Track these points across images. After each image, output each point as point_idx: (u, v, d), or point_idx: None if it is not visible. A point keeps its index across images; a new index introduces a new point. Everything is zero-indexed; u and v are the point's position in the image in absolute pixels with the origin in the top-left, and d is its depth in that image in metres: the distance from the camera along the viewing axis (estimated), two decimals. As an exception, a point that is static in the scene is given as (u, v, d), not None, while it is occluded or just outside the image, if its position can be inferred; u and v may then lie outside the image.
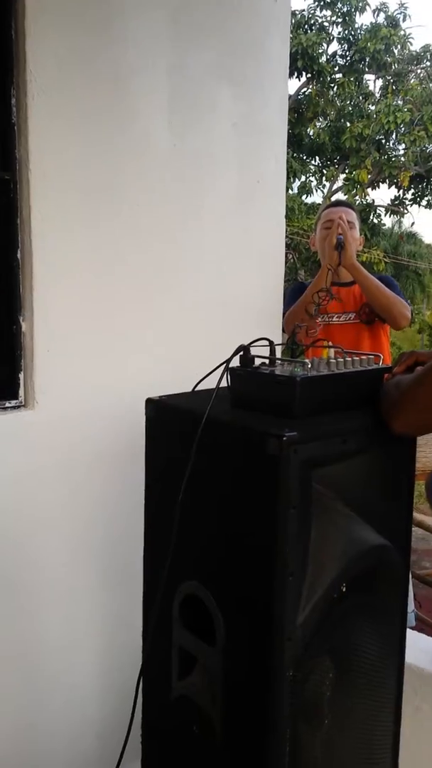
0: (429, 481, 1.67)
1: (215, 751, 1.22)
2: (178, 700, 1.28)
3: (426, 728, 1.77)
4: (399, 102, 13.28)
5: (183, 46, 1.74)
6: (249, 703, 1.16)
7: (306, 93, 14.28)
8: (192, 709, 1.24)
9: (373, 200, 14.86)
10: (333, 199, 13.61)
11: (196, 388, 1.36)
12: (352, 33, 13.69)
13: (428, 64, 14.16)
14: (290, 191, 14.11)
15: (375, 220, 14.77)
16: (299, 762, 1.16)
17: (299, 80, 14.02)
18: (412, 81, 13.86)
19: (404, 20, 13.69)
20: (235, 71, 1.85)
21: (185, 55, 1.75)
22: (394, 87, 13.58)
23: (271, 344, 1.29)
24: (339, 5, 13.51)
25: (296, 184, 14.26)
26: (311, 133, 14.69)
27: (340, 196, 14.00)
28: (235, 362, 1.28)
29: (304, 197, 14.71)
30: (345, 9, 13.53)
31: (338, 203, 2.98)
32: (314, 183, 15.18)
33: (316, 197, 15.28)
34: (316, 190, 15.11)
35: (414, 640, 1.88)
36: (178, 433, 1.28)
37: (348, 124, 13.68)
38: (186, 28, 1.74)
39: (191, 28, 1.75)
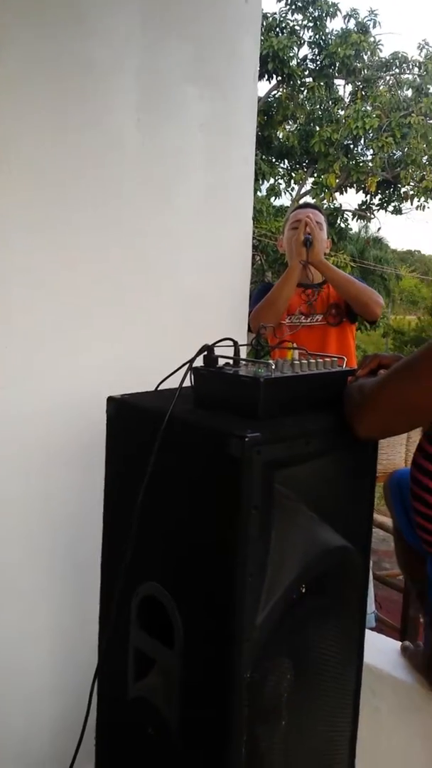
0: (387, 483, 1.69)
1: (170, 752, 1.22)
2: (134, 701, 1.27)
3: (384, 728, 1.78)
4: (368, 108, 13.42)
5: (153, 45, 1.72)
6: (206, 704, 1.15)
7: (276, 96, 14.34)
8: (148, 711, 1.23)
9: (341, 204, 15.01)
10: (301, 201, 13.71)
11: (159, 388, 1.35)
12: (323, 38, 13.79)
13: (397, 71, 14.35)
14: (259, 193, 14.15)
15: (342, 225, 14.90)
16: (256, 763, 1.15)
17: (269, 83, 14.08)
18: (381, 87, 14.02)
19: (374, 27, 13.84)
20: (206, 71, 1.84)
21: (155, 55, 1.73)
22: (363, 93, 13.72)
23: (236, 344, 1.29)
24: (310, 9, 13.60)
25: (265, 186, 14.31)
26: (281, 136, 14.76)
27: (308, 199, 14.10)
28: (200, 362, 1.28)
29: (272, 199, 14.77)
30: (316, 13, 13.62)
31: (306, 205, 2.98)
32: (283, 186, 15.26)
33: (285, 200, 15.36)
34: (285, 193, 15.18)
35: (373, 641, 1.89)
36: (139, 432, 1.27)
37: (317, 128, 13.77)
38: (156, 27, 1.72)
39: (161, 27, 1.74)
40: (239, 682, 1.09)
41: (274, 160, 15.21)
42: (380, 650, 1.84)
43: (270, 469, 1.11)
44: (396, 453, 3.56)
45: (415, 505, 1.39)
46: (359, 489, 1.39)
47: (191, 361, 1.26)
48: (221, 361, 1.28)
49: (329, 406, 1.30)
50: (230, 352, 1.29)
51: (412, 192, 14.67)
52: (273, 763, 1.21)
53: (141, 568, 1.24)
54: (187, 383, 1.27)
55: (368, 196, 15.19)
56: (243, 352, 1.35)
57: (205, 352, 1.27)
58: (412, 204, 15.03)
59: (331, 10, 13.54)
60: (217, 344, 1.27)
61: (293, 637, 1.20)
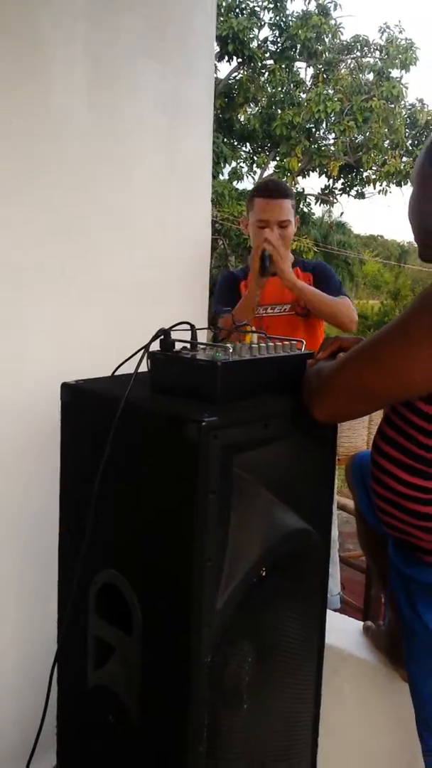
0: (349, 465, 1.69)
1: (132, 739, 1.21)
2: (95, 689, 1.26)
3: (347, 707, 1.80)
4: (329, 91, 13.42)
5: (103, 22, 1.67)
6: (166, 690, 1.15)
7: (237, 78, 14.25)
8: (108, 699, 1.22)
9: (303, 189, 15.03)
10: (265, 176, 13.59)
11: (116, 374, 1.32)
12: (284, 19, 13.72)
13: (358, 54, 14.37)
14: (221, 176, 14.08)
15: (305, 209, 14.92)
16: (217, 747, 1.15)
17: (230, 64, 13.99)
18: (342, 71, 14.03)
19: (335, 9, 13.82)
20: (160, 49, 1.80)
21: (107, 31, 1.68)
22: (324, 76, 13.72)
23: (193, 328, 1.27)
24: (271, -10, 13.53)
25: (227, 169, 14.24)
26: (242, 119, 14.70)
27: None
28: (157, 347, 1.26)
29: (235, 183, 14.72)
30: (276, -6, 13.55)
31: (273, 192, 2.56)
32: (245, 169, 15.21)
33: (247, 183, 15.32)
34: (247, 177, 15.14)
35: (336, 621, 1.91)
36: (94, 418, 1.25)
37: (279, 112, 13.73)
38: (106, 3, 1.68)
39: (112, 3, 1.69)
40: (199, 666, 1.09)
41: (235, 143, 15.15)
42: (343, 631, 1.85)
43: (228, 453, 1.11)
44: (358, 436, 3.59)
45: (375, 488, 1.40)
46: (319, 471, 1.39)
47: (147, 345, 1.24)
48: (179, 346, 1.26)
49: (288, 390, 1.29)
50: (188, 336, 1.27)
51: (374, 176, 14.77)
52: (234, 745, 1.21)
53: (99, 556, 1.23)
54: (145, 369, 1.25)
55: (331, 181, 15.25)
56: (204, 337, 1.33)
57: (162, 337, 1.24)
58: (374, 188, 15.15)
59: (292, -9, 13.48)
60: (173, 328, 1.25)
61: (254, 620, 1.20)
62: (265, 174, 15.11)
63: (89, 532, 1.19)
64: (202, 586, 1.08)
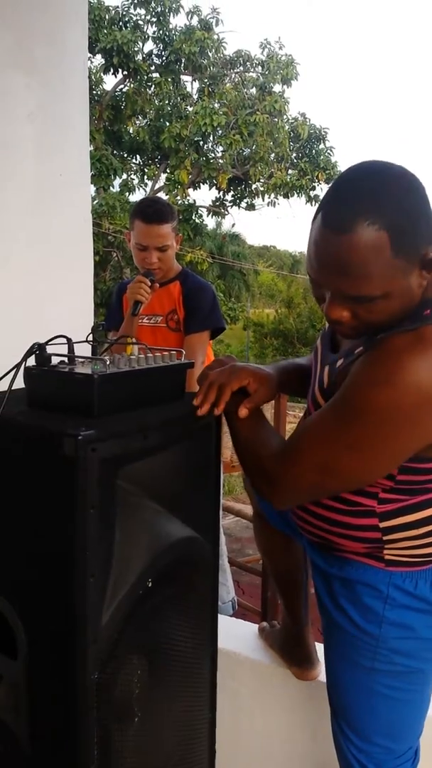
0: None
1: (23, 766, 1.17)
2: (-19, 719, 1.21)
3: (244, 710, 1.83)
4: (215, 105, 13.67)
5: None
6: (54, 711, 1.12)
7: (123, 90, 14.26)
8: (-4, 728, 1.18)
9: (194, 200, 15.20)
10: (142, 198, 13.60)
11: (-8, 390, 1.29)
12: (167, 33, 13.87)
13: (241, 69, 14.72)
14: (112, 189, 14.02)
15: (197, 221, 15.09)
16: (111, 763, 1.14)
17: (116, 77, 13.98)
18: (227, 85, 14.33)
19: (217, 25, 14.12)
20: (31, 59, 1.77)
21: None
22: (210, 90, 13.97)
23: (69, 342, 1.26)
24: (153, 5, 13.64)
25: (117, 182, 14.20)
26: (131, 131, 14.71)
27: (162, 195, 14.14)
28: (33, 362, 1.23)
29: (126, 194, 14.69)
30: (159, 9, 13.67)
31: (152, 217, 2.49)
32: (136, 181, 15.23)
33: (139, 195, 15.33)
34: (139, 189, 15.16)
35: (231, 626, 1.93)
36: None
37: (167, 124, 13.85)
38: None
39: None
40: (86, 684, 1.08)
41: (125, 155, 15.15)
42: (238, 635, 1.88)
43: (108, 466, 1.10)
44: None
45: None
46: (204, 478, 1.40)
47: (22, 361, 1.22)
48: (56, 360, 1.24)
49: (169, 400, 1.30)
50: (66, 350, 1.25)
51: (262, 188, 15.14)
52: (128, 759, 1.20)
53: (-21, 580, 1.19)
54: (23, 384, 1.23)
55: (221, 193, 15.52)
56: (88, 351, 1.31)
57: (37, 351, 1.22)
58: (263, 200, 15.53)
59: (174, 6, 13.65)
60: (49, 342, 1.24)
61: (143, 631, 1.20)
62: (156, 186, 15.18)
63: (-33, 557, 1.15)
64: (86, 603, 1.06)
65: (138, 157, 15.40)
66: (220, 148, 14.07)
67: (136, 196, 14.97)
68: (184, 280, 2.66)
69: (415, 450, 1.11)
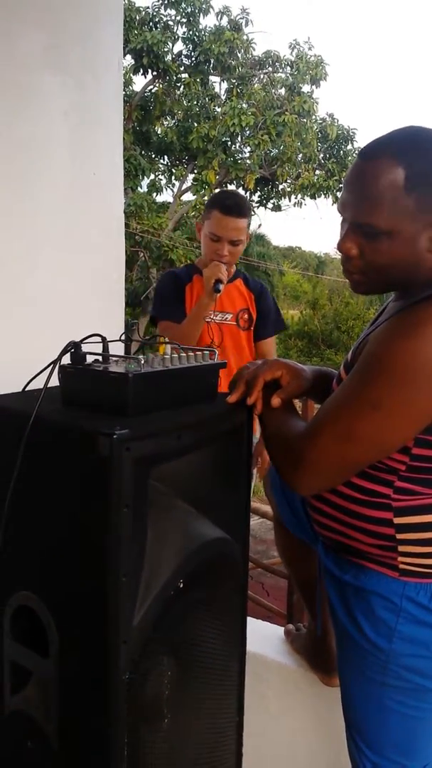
0: (267, 475, 1.71)
1: (52, 764, 1.18)
2: (12, 715, 1.21)
3: (271, 713, 1.82)
4: (243, 105, 13.65)
5: (8, 30, 1.65)
6: (84, 711, 1.12)
7: (153, 91, 14.31)
8: (26, 724, 1.18)
9: (221, 201, 15.16)
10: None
11: (27, 389, 1.29)
12: (197, 34, 13.88)
13: (270, 69, 14.68)
14: (140, 189, 14.08)
15: (224, 221, 15.04)
16: (139, 763, 1.14)
17: (145, 77, 14.03)
18: (255, 85, 14.30)
19: (246, 25, 14.08)
20: (66, 59, 1.78)
21: (11, 39, 1.66)
22: (238, 90, 13.94)
23: (104, 340, 1.26)
24: (183, 5, 13.65)
25: (145, 182, 14.26)
26: (159, 132, 14.76)
27: (189, 196, 14.17)
28: (68, 360, 1.24)
29: (154, 195, 14.75)
30: (189, 9, 13.70)
31: (232, 210, 2.48)
32: (164, 182, 15.28)
33: (167, 196, 15.39)
34: (166, 189, 15.21)
35: (258, 628, 1.93)
36: (4, 435, 1.21)
37: (195, 125, 13.87)
38: (11, 10, 1.65)
39: (17, 11, 1.67)
40: (117, 685, 1.07)
41: (153, 155, 15.19)
42: (265, 637, 1.87)
43: (141, 465, 1.10)
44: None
45: None
46: (235, 480, 1.40)
47: (57, 359, 1.22)
48: (90, 358, 1.24)
49: (202, 399, 1.30)
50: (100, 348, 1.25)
51: (289, 189, 15.10)
52: (157, 760, 1.20)
53: (12, 578, 1.19)
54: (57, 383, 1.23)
55: (248, 193, 15.48)
56: (121, 349, 1.31)
57: (72, 350, 1.23)
58: (290, 201, 15.49)
59: (204, 6, 13.65)
60: (84, 341, 1.24)
61: (173, 632, 1.20)
62: (184, 186, 15.21)
63: (1, 553, 1.16)
64: (118, 603, 1.06)
65: (166, 157, 15.43)
66: (248, 149, 14.05)
67: (164, 197, 15.03)
68: (245, 278, 2.69)
69: None
